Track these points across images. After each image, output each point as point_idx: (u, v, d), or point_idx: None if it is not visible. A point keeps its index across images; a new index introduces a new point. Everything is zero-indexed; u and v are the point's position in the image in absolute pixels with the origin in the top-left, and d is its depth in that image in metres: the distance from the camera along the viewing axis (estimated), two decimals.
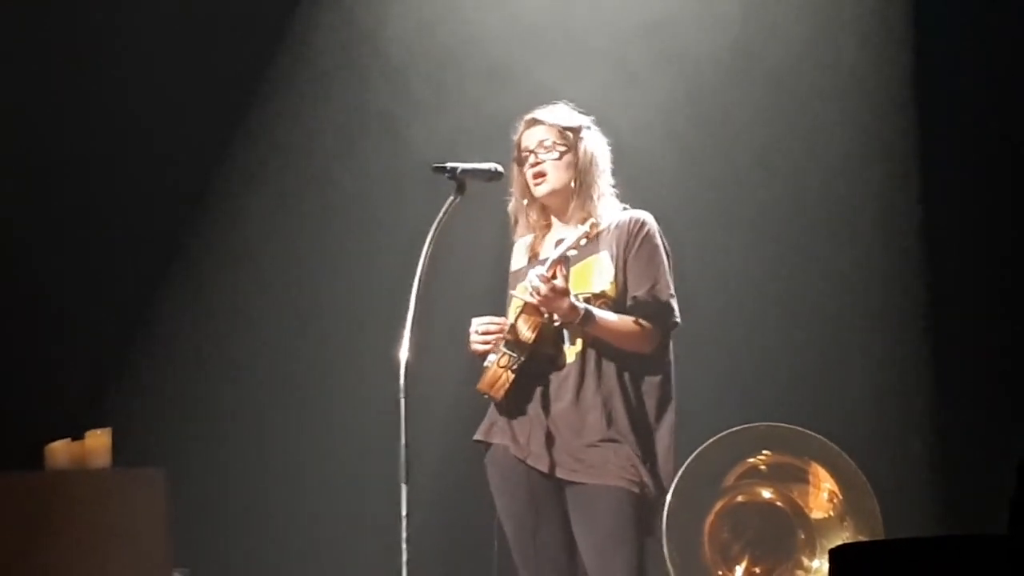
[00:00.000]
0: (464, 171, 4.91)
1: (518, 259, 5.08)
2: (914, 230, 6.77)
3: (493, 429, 4.93)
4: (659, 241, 4.91)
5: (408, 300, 4.71)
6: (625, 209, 4.97)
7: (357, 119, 6.91)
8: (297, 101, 6.89)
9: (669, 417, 4.88)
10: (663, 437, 4.86)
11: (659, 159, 6.71)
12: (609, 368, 4.83)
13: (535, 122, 4.99)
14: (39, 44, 6.69)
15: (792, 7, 6.81)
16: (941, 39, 6.69)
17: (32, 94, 6.67)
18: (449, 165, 4.89)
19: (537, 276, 4.67)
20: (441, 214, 4.82)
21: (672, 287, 4.89)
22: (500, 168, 4.95)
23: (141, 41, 6.73)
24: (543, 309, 4.72)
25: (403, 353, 4.67)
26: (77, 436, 5.47)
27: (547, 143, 4.94)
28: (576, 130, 4.97)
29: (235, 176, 6.86)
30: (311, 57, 6.89)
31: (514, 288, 4.96)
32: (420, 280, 4.72)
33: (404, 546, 4.62)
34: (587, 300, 4.79)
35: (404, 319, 4.69)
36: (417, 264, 4.75)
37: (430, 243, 4.76)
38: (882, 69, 6.79)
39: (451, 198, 4.87)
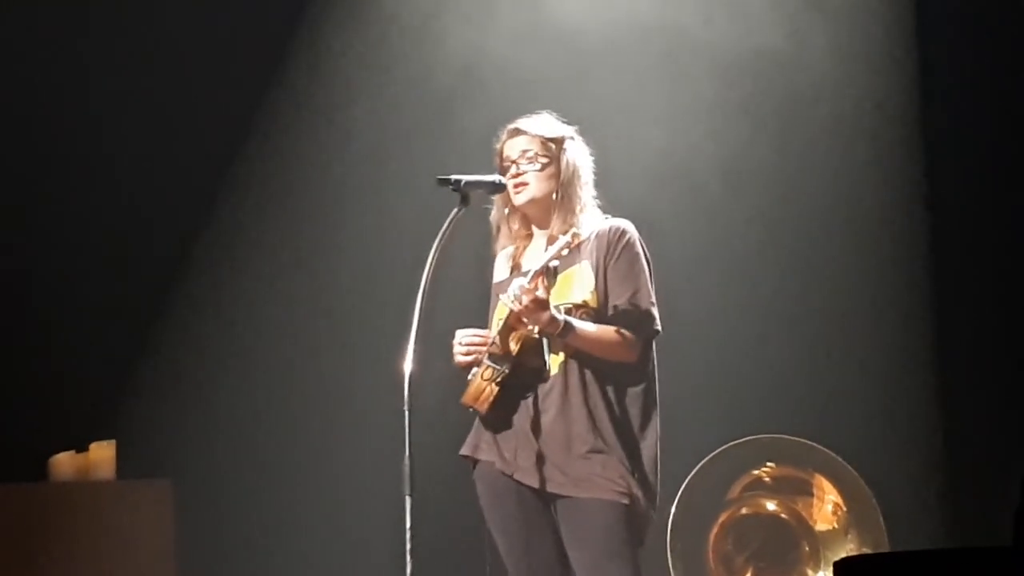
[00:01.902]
0: (468, 183, 4.89)
1: (500, 270, 5.05)
2: (918, 236, 6.76)
3: (480, 445, 4.90)
4: (640, 249, 4.88)
5: (412, 312, 4.70)
6: (607, 218, 4.95)
7: (364, 131, 6.92)
8: (305, 114, 6.89)
9: (654, 426, 4.85)
10: (649, 446, 4.83)
11: (650, 164, 6.71)
12: (592, 379, 4.81)
13: (517, 132, 4.95)
14: (59, 60, 6.71)
15: (796, 16, 6.82)
16: (946, 46, 6.69)
17: (41, 102, 6.67)
18: (453, 177, 4.87)
19: (519, 287, 4.66)
20: (445, 226, 4.80)
21: (653, 296, 4.86)
22: (504, 180, 4.93)
23: (154, 50, 6.74)
24: (525, 320, 4.71)
25: (407, 365, 4.66)
26: (81, 448, 5.48)
27: (529, 154, 4.92)
28: (559, 141, 4.94)
29: (241, 188, 6.87)
30: (321, 69, 6.90)
31: (496, 301, 4.95)
32: (424, 292, 4.71)
33: (408, 558, 4.61)
34: (568, 310, 4.76)
35: (408, 331, 4.68)
36: (421, 276, 4.73)
37: (434, 255, 4.75)
38: (885, 71, 6.80)
39: (455, 210, 4.86)
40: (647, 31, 6.82)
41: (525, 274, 4.73)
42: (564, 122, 4.99)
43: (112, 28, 6.73)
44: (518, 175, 4.91)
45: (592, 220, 4.91)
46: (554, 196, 4.91)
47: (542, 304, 4.65)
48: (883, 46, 6.80)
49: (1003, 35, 6.65)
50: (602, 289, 4.83)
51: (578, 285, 4.82)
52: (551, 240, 4.83)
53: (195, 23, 6.78)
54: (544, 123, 4.97)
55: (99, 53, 6.71)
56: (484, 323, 4.97)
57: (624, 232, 4.87)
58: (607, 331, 4.78)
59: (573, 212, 4.89)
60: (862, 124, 6.81)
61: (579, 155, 4.95)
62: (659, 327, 4.86)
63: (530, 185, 4.91)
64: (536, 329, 4.74)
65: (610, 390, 4.81)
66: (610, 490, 4.74)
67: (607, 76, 6.78)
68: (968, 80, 6.69)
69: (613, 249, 4.84)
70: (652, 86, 6.81)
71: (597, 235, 4.86)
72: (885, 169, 6.80)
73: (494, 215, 5.03)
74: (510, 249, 5.03)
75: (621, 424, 4.80)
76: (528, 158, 4.91)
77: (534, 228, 4.99)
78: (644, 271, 4.86)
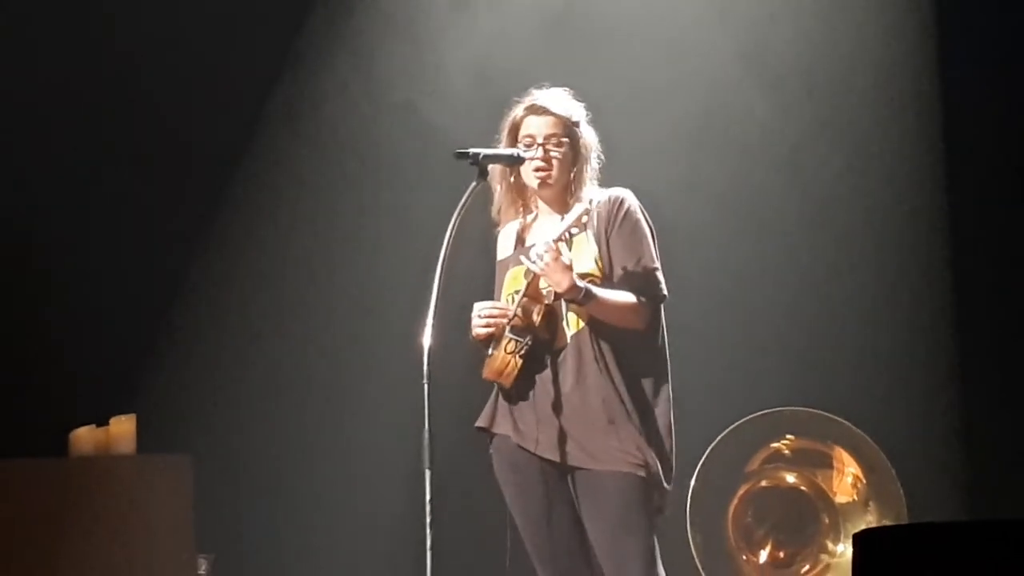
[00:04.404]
0: (486, 156, 4.88)
1: (505, 247, 5.04)
2: (938, 207, 6.74)
3: (496, 418, 4.90)
4: (640, 216, 4.88)
5: (430, 286, 4.69)
6: (603, 188, 4.95)
7: (378, 105, 6.91)
8: (317, 89, 6.89)
9: (666, 394, 4.85)
10: (662, 415, 4.83)
11: (660, 135, 6.70)
12: (607, 349, 4.80)
13: (542, 110, 4.91)
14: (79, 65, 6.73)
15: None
16: (966, 39, 6.66)
17: (68, 94, 6.68)
18: (471, 151, 4.86)
19: (543, 245, 4.66)
20: (464, 200, 4.80)
21: (657, 260, 4.87)
22: (522, 153, 4.91)
23: (161, 29, 6.75)
24: (547, 282, 4.70)
25: (426, 339, 4.66)
26: (102, 422, 5.49)
27: (556, 138, 4.88)
28: (578, 123, 4.95)
29: (258, 166, 6.87)
30: (332, 44, 6.89)
31: (502, 278, 4.95)
32: (443, 266, 4.71)
33: (428, 531, 4.62)
34: None
35: (427, 304, 4.68)
36: (439, 250, 4.72)
37: (452, 229, 4.74)
38: (902, 59, 6.78)
39: (473, 183, 4.84)
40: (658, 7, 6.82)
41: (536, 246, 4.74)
42: (575, 97, 4.98)
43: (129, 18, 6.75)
44: (545, 159, 4.89)
45: (592, 191, 4.92)
46: (571, 176, 4.91)
47: (565, 267, 4.66)
48: (896, 21, 6.79)
49: None
50: (606, 258, 4.84)
51: (583, 255, 4.82)
52: (561, 213, 4.85)
53: (213, 8, 6.79)
54: (564, 102, 4.94)
55: (109, 43, 6.72)
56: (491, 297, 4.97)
57: (623, 201, 4.88)
58: (623, 296, 4.79)
59: (583, 188, 4.91)
60: (880, 95, 6.79)
61: (592, 135, 4.96)
62: (665, 291, 4.86)
63: (553, 170, 4.89)
64: (554, 297, 4.74)
65: (623, 360, 4.82)
66: (626, 462, 4.75)
67: (618, 53, 6.76)
68: (989, 66, 6.67)
69: (614, 218, 4.85)
70: (662, 60, 6.80)
71: (597, 205, 4.87)
72: (904, 138, 6.78)
73: (495, 185, 5.01)
74: (515, 225, 5.02)
75: (635, 393, 4.81)
76: (554, 143, 4.89)
77: (541, 203, 4.99)
78: (647, 236, 4.87)
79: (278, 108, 6.87)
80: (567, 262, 4.68)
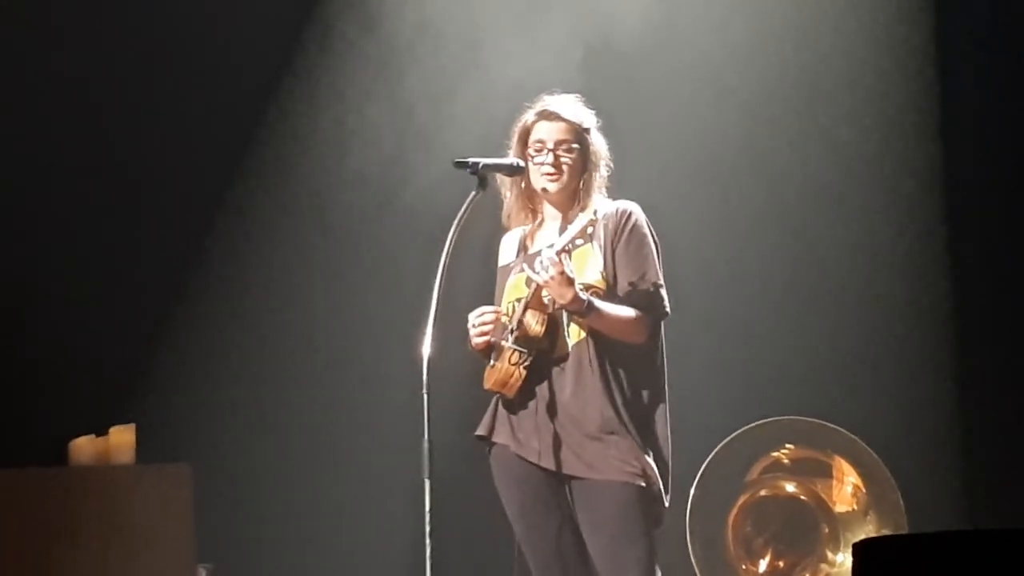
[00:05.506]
0: (486, 165, 4.88)
1: (507, 253, 5.04)
2: (937, 216, 6.75)
3: (495, 427, 4.90)
4: (647, 230, 4.88)
5: (430, 295, 4.70)
6: (611, 200, 4.95)
7: (377, 114, 6.92)
8: (317, 97, 6.89)
9: (663, 405, 4.86)
10: (660, 426, 4.84)
11: (663, 149, 6.70)
12: (605, 360, 4.80)
13: (554, 116, 4.92)
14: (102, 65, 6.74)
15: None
16: (964, 38, 6.67)
17: (73, 100, 6.69)
18: (471, 160, 4.86)
19: (548, 258, 4.65)
20: (463, 209, 4.80)
21: (661, 276, 4.87)
22: (522, 162, 4.91)
23: (170, 43, 6.75)
24: (550, 294, 4.70)
25: (425, 349, 4.66)
26: (101, 432, 5.49)
27: (567, 144, 4.89)
28: (589, 130, 4.95)
29: (256, 176, 6.87)
30: (331, 53, 6.90)
31: (503, 284, 4.95)
32: (442, 275, 4.71)
33: (428, 540, 4.62)
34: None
35: (426, 314, 4.68)
36: (439, 260, 4.73)
37: (452, 238, 4.74)
38: (896, 52, 6.79)
39: (473, 193, 4.85)
40: (665, 21, 6.82)
41: (540, 253, 4.73)
42: (585, 103, 4.98)
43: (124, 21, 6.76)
44: (555, 165, 4.89)
45: (599, 202, 4.92)
46: (580, 183, 4.91)
47: (569, 280, 4.65)
48: (896, 38, 6.80)
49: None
50: (611, 270, 4.84)
51: (588, 267, 4.82)
52: (567, 221, 4.84)
53: (209, 15, 6.79)
54: (576, 108, 4.94)
55: (109, 45, 6.73)
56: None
57: (631, 214, 4.88)
58: (624, 311, 4.79)
59: (591, 196, 4.90)
60: (878, 110, 6.80)
61: (602, 142, 4.96)
62: (668, 308, 4.86)
63: (563, 175, 4.89)
64: (555, 308, 4.74)
65: (622, 370, 4.82)
66: (624, 472, 4.75)
67: (623, 65, 6.76)
68: (989, 64, 6.68)
69: (620, 231, 4.85)
70: (668, 74, 6.80)
71: (604, 216, 4.86)
72: (902, 152, 6.79)
73: (506, 193, 5.01)
74: (517, 232, 5.02)
75: (633, 404, 4.81)
76: (565, 148, 4.89)
77: (545, 208, 4.98)
78: (652, 252, 4.86)
79: (277, 112, 6.88)
80: (571, 274, 4.67)
